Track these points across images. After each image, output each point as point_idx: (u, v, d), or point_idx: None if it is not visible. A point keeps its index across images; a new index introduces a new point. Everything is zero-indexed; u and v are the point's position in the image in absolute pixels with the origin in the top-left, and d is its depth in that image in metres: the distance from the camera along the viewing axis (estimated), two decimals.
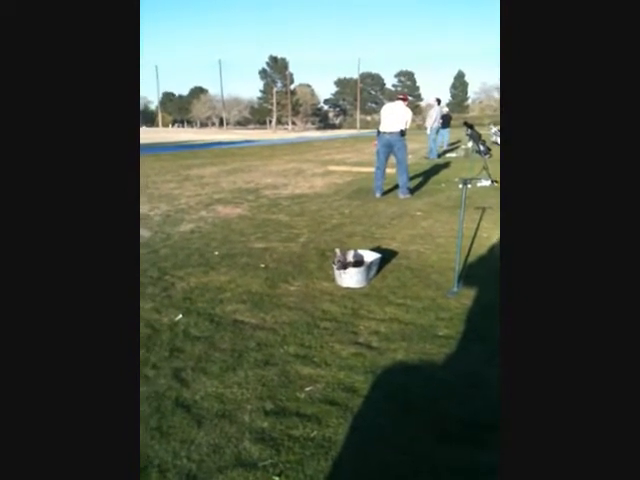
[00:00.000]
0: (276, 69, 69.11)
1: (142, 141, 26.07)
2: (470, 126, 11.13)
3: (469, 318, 2.86)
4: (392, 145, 7.06)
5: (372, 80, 78.27)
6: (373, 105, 74.93)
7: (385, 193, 7.35)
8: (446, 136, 16.52)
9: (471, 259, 4.03)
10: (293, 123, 65.73)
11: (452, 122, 17.56)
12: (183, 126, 78.30)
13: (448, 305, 3.06)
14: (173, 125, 77.30)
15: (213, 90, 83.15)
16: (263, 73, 70.21)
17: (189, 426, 1.90)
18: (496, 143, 16.70)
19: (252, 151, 18.93)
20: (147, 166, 12.10)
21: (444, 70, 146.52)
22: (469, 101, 76.60)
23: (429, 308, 3.02)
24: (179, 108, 79.37)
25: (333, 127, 71.30)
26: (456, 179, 8.58)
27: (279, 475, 1.64)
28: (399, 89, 71.19)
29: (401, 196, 7.13)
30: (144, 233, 5.08)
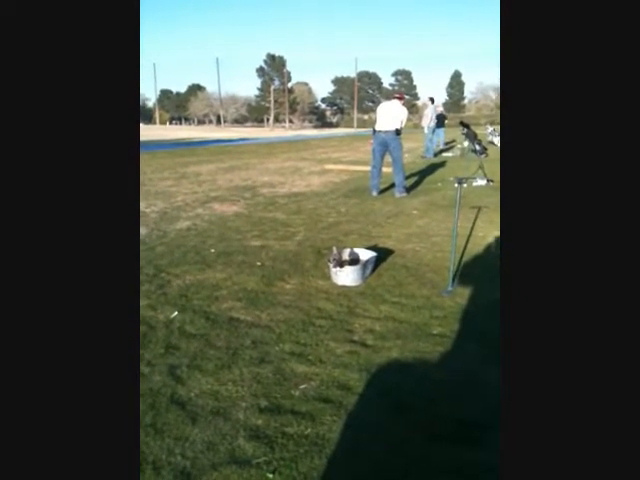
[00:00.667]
0: (274, 67, 69.07)
1: (140, 138, 26.05)
2: (466, 125, 11.15)
3: (464, 317, 2.87)
4: (388, 144, 7.07)
5: (369, 79, 78.32)
6: (370, 104, 74.95)
7: (381, 192, 7.36)
8: (441, 135, 16.54)
9: (466, 258, 4.04)
10: (290, 121, 65.71)
11: (448, 122, 17.60)
12: (180, 123, 78.16)
13: (443, 304, 3.08)
14: (170, 122, 77.16)
15: (211, 88, 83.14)
16: (261, 71, 70.17)
17: (184, 423, 1.90)
18: (492, 143, 16.75)
19: (249, 149, 18.91)
20: (144, 163, 12.07)
21: (441, 70, 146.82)
22: (465, 101, 76.81)
23: (424, 306, 3.03)
24: (176, 105, 79.25)
25: (330, 125, 71.31)
26: (452, 178, 8.59)
27: (273, 472, 1.65)
28: (396, 88, 71.20)
29: (397, 195, 7.15)
30: (140, 230, 5.07)
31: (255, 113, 72.44)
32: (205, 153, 16.33)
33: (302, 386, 2.15)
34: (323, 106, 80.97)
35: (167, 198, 7.09)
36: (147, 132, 34.95)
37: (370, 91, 78.76)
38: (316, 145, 21.53)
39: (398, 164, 7.13)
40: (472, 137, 10.88)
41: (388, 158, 7.30)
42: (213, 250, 4.29)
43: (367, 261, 3.59)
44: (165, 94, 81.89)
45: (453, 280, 3.37)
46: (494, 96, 67.21)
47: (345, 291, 3.30)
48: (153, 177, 9.48)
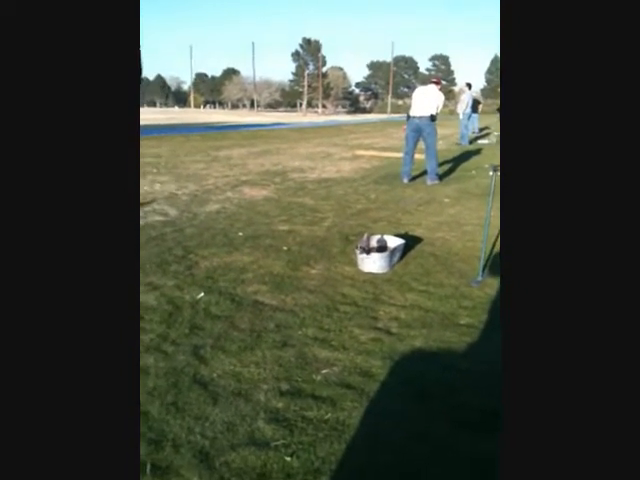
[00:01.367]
0: (309, 51, 68.62)
1: (174, 121, 26.39)
2: None
3: (492, 308, 2.80)
4: (421, 130, 6.93)
5: (405, 64, 76.98)
6: (405, 89, 73.75)
7: (413, 179, 7.24)
8: (475, 122, 16.14)
9: (498, 248, 3.94)
10: (323, 106, 65.32)
11: (485, 108, 17.16)
12: (215, 107, 78.79)
13: (471, 294, 3.01)
14: (205, 106, 77.85)
15: (245, 72, 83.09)
16: (296, 55, 69.84)
17: (205, 403, 1.92)
18: None
19: (281, 134, 18.91)
20: (177, 146, 12.23)
21: (480, 54, 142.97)
22: None
23: (452, 296, 2.97)
24: (211, 89, 79.81)
25: (364, 111, 70.57)
26: (486, 165, 8.39)
27: (291, 456, 1.65)
28: (433, 73, 69.75)
29: (429, 182, 7.02)
30: (171, 212, 5.14)
31: (288, 98, 72.32)
32: (237, 137, 16.42)
33: (324, 371, 2.14)
34: (357, 91, 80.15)
35: (198, 181, 7.16)
36: (181, 115, 35.38)
37: (406, 76, 77.45)
38: (348, 131, 21.36)
39: (431, 151, 6.99)
40: None
41: (422, 145, 7.16)
42: (241, 233, 4.31)
43: (395, 248, 3.54)
44: (200, 77, 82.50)
45: (483, 270, 3.29)
46: None
47: (371, 278, 3.27)
48: (185, 160, 9.59)
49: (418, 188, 6.71)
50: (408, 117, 7.04)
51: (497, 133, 15.31)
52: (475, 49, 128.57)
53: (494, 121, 18.32)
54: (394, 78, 69.15)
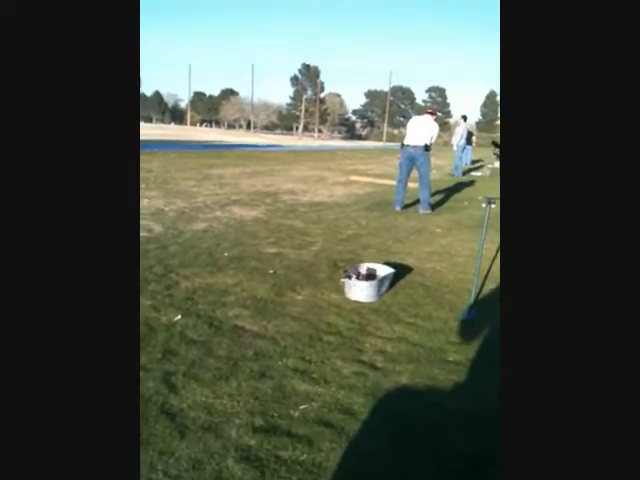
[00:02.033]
0: (307, 76, 69.53)
1: (168, 137, 26.38)
2: (498, 146, 10.94)
3: (482, 345, 2.69)
4: (415, 159, 6.91)
5: (403, 94, 78.20)
6: (401, 119, 74.74)
7: (405, 207, 7.18)
8: (469, 154, 16.28)
9: (489, 282, 3.84)
10: (319, 131, 65.94)
11: (479, 141, 17.33)
12: (211, 126, 79.17)
13: (461, 329, 2.89)
14: (201, 124, 78.21)
15: (243, 93, 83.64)
16: (294, 80, 70.70)
17: (171, 436, 1.77)
18: None
19: (276, 155, 18.93)
20: (169, 162, 12.14)
21: (476, 89, 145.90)
22: (499, 121, 75.93)
23: (440, 330, 2.86)
24: (208, 108, 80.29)
25: (359, 138, 71.30)
26: (480, 197, 8.37)
27: None
28: (429, 104, 70.86)
29: (421, 211, 6.97)
30: (156, 228, 5.01)
31: (285, 121, 72.91)
32: (231, 156, 16.39)
33: (302, 406, 2.00)
34: (353, 118, 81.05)
35: (187, 198, 7.05)
36: (177, 132, 35.47)
37: (402, 106, 78.57)
38: (343, 156, 21.45)
39: (424, 180, 6.96)
40: None
41: (415, 174, 7.13)
42: (226, 254, 4.19)
43: (384, 277, 3.43)
44: (198, 96, 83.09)
45: (474, 304, 3.19)
46: None
47: (358, 307, 3.15)
48: (176, 176, 9.49)
49: (410, 217, 6.64)
50: (402, 145, 7.04)
51: (491, 166, 15.44)
52: (471, 83, 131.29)
53: (488, 154, 18.48)
54: (391, 107, 70.16)
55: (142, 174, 9.06)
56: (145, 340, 2.46)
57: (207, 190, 7.98)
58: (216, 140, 28.89)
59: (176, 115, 79.36)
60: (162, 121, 77.35)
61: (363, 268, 3.63)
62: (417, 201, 7.23)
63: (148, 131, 31.01)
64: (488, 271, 4.10)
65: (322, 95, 68.71)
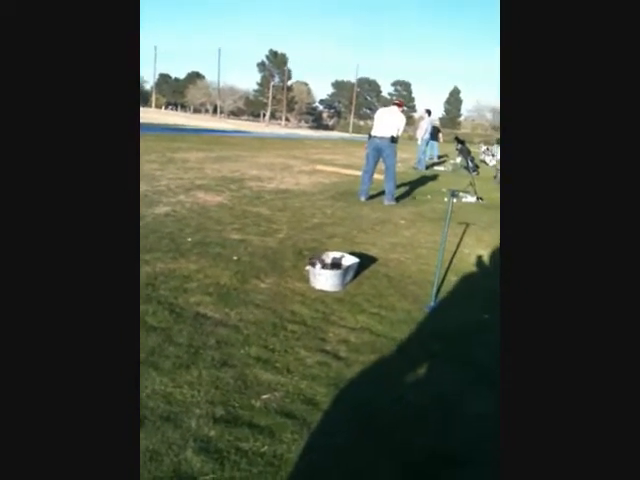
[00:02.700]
0: (275, 63, 68.73)
1: None
2: (461, 142, 11.07)
3: (445, 335, 2.71)
4: (382, 150, 6.93)
5: (369, 86, 78.39)
6: (368, 111, 74.98)
7: (370, 198, 7.20)
8: (435, 149, 16.49)
9: (451, 274, 3.90)
10: (287, 119, 65.46)
11: (443, 137, 17.55)
12: (177, 109, 77.31)
13: (424, 319, 2.92)
14: (166, 107, 76.28)
15: (210, 77, 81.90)
16: (262, 66, 69.76)
17: None
18: (484, 162, 16.77)
19: (242, 141, 18.66)
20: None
21: (440, 85, 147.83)
22: (462, 118, 77.18)
23: (404, 321, 2.87)
24: (174, 91, 78.33)
25: (326, 128, 71.14)
26: (444, 189, 8.50)
27: None
28: (394, 98, 71.31)
29: (386, 202, 7.00)
30: None
31: (252, 107, 71.92)
32: (197, 141, 16.05)
33: (264, 396, 1.97)
34: (320, 108, 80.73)
35: (150, 181, 6.85)
36: (142, 115, 34.44)
37: (369, 98, 78.78)
38: (310, 145, 21.36)
39: (390, 172, 6.99)
40: (466, 153, 10.82)
41: (381, 165, 7.16)
42: (189, 239, 4.09)
43: (349, 267, 3.42)
44: (164, 78, 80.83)
45: (436, 295, 3.22)
46: (490, 116, 67.71)
47: (322, 296, 3.13)
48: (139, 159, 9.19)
49: (375, 208, 6.67)
50: (370, 136, 7.04)
51: (453, 161, 15.68)
52: (436, 79, 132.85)
53: (451, 149, 18.75)
54: (357, 99, 70.24)
55: None
56: None
57: (171, 174, 7.78)
58: (181, 124, 28.22)
59: (141, 97, 77.06)
60: None
61: (328, 257, 3.61)
62: (382, 192, 7.27)
63: None
64: (450, 263, 4.16)
65: (290, 83, 68.10)
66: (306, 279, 3.34)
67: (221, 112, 67.44)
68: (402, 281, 3.62)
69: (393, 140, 6.87)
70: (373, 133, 6.98)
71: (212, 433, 1.72)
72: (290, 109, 67.91)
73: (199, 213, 5.18)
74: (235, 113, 73.27)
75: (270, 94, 65.21)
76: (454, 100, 76.61)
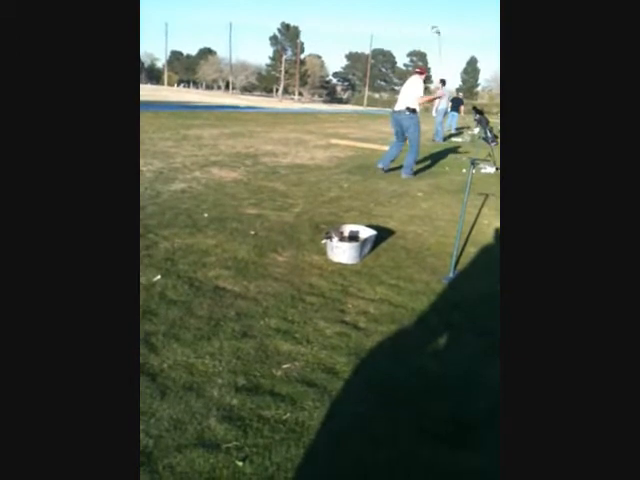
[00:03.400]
0: (287, 37, 67.68)
1: (145, 98, 25.58)
2: (480, 112, 10.82)
3: (464, 306, 2.70)
4: (401, 124, 6.82)
5: (384, 57, 76.84)
6: (383, 83, 73.76)
7: (388, 171, 7.12)
8: (454, 120, 16.18)
9: (469, 245, 3.86)
10: (300, 94, 64.70)
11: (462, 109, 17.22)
12: (189, 86, 76.91)
13: (443, 291, 2.90)
14: (179, 85, 75.94)
15: (222, 53, 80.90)
16: (274, 40, 68.76)
17: (152, 397, 1.74)
18: None
19: (255, 117, 18.53)
20: (145, 122, 11.76)
21: (458, 54, 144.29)
22: (479, 88, 75.45)
23: (422, 292, 2.86)
24: (186, 68, 77.84)
25: (340, 101, 70.23)
26: (464, 158, 8.37)
27: (243, 460, 1.49)
28: (410, 69, 69.89)
29: (403, 175, 6.92)
30: None
31: (265, 82, 71.19)
32: (210, 117, 15.98)
33: (285, 366, 1.99)
34: (334, 81, 79.61)
35: (165, 158, 6.86)
36: (154, 93, 34.37)
37: (383, 70, 77.27)
38: (324, 119, 21.13)
39: (411, 145, 6.88)
40: (484, 123, 10.59)
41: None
42: (206, 215, 4.10)
43: (366, 239, 3.40)
44: (175, 55, 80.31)
45: (455, 267, 3.19)
46: None
47: (340, 269, 3.12)
48: (154, 137, 9.21)
49: (392, 181, 6.60)
50: (392, 112, 6.96)
51: (470, 132, 15.38)
52: (452, 49, 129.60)
53: (470, 121, 18.39)
54: (372, 71, 68.94)
55: None
56: None
57: (185, 151, 7.77)
58: (194, 101, 28.09)
59: (153, 75, 76.71)
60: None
61: (345, 230, 3.59)
62: (401, 166, 7.18)
63: None
64: (469, 235, 4.12)
65: (302, 56, 67.12)
66: (323, 252, 3.34)
67: (233, 88, 66.93)
68: (420, 253, 3.59)
69: (410, 111, 6.72)
70: (393, 107, 6.91)
71: (234, 402, 1.75)
72: (303, 83, 67.05)
73: (215, 189, 5.18)
74: (248, 89, 72.66)
75: (283, 68, 64.36)
76: (471, 70, 74.79)
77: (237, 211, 4.32)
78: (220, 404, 1.74)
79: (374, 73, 72.23)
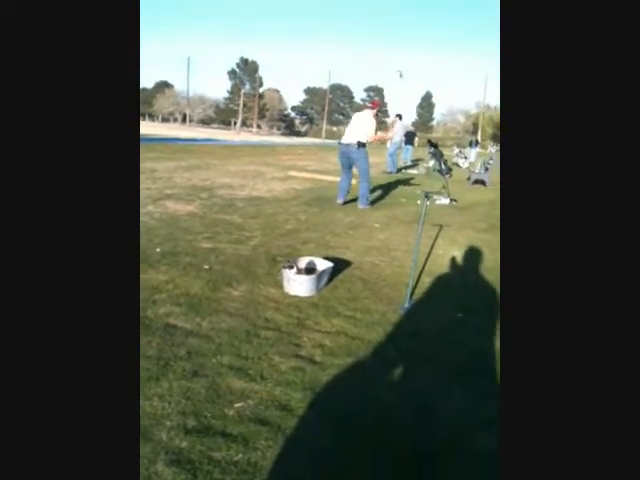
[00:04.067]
0: (246, 71, 68.58)
1: None
2: (434, 145, 11.20)
3: (419, 336, 2.71)
4: (350, 156, 6.95)
5: (342, 92, 78.86)
6: (340, 117, 75.49)
7: (345, 203, 7.21)
8: (409, 153, 16.67)
9: (425, 275, 3.91)
10: (258, 126, 65.24)
11: (418, 141, 17.80)
12: (144, 119, 76.39)
13: (399, 321, 2.91)
14: None
15: (179, 86, 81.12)
16: (232, 74, 69.52)
17: None
18: (457, 164, 17.02)
19: (212, 150, 18.51)
20: None
21: (412, 89, 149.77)
22: (434, 122, 78.26)
23: (378, 323, 2.86)
24: (142, 101, 77.45)
25: (298, 134, 71.23)
26: (418, 192, 8.57)
27: None
28: (367, 104, 71.90)
29: (360, 206, 7.02)
30: None
31: (223, 115, 71.51)
32: (166, 150, 15.84)
33: (237, 405, 1.93)
34: (293, 114, 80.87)
35: None
36: None
37: (341, 104, 79.21)
38: (282, 152, 21.33)
39: (362, 176, 7.01)
40: (439, 156, 10.94)
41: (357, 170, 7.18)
42: (158, 249, 4.01)
43: (323, 271, 3.40)
44: None
45: (411, 297, 3.22)
46: (462, 120, 68.91)
47: (297, 301, 3.10)
48: None
49: (349, 212, 6.68)
50: (339, 144, 7.09)
51: (426, 165, 15.85)
52: (408, 84, 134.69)
53: (425, 154, 18.95)
54: (330, 105, 70.53)
55: None
56: None
57: None
58: (149, 133, 27.85)
59: None
60: None
61: (302, 262, 3.58)
62: (357, 198, 7.28)
63: None
64: (424, 265, 4.18)
65: (261, 90, 68.00)
66: (280, 285, 3.31)
67: (191, 121, 66.87)
68: (377, 284, 3.62)
69: (360, 145, 6.86)
70: (341, 140, 7.04)
71: (184, 444, 1.68)
72: (262, 116, 67.78)
73: (168, 223, 5.09)
74: (205, 121, 72.76)
75: (241, 102, 64.96)
76: (426, 104, 77.63)
77: (191, 245, 4.25)
78: (169, 447, 1.66)
79: (332, 107, 73.87)
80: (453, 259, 4.50)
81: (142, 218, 5.19)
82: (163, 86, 75.87)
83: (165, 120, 74.71)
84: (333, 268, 3.54)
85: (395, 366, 2.37)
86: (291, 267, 3.29)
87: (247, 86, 68.30)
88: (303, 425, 1.85)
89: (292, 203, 7.07)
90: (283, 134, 67.82)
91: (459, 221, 6.39)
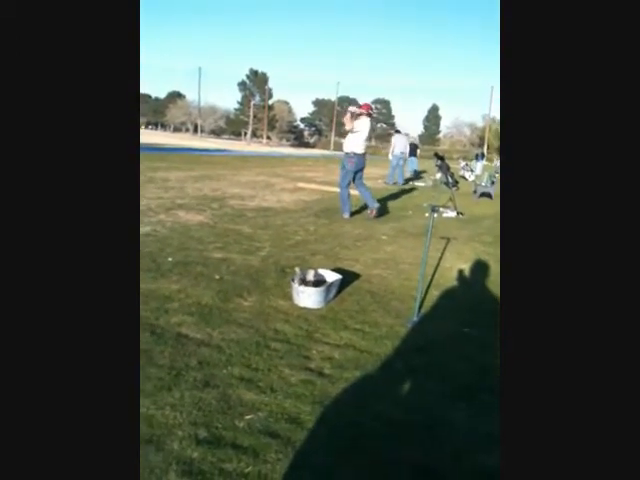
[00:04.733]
0: (256, 83, 69.18)
1: None
2: (441, 157, 11.24)
3: (427, 350, 2.73)
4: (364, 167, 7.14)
5: (349, 104, 79.21)
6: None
7: (352, 214, 7.25)
8: (415, 164, 16.76)
9: (433, 289, 3.92)
10: (268, 137, 65.71)
11: (422, 153, 17.88)
12: (156, 129, 77.14)
13: (407, 335, 2.93)
14: (146, 127, 76.11)
15: (191, 96, 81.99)
16: (242, 85, 70.15)
17: None
18: (464, 177, 17.06)
19: (223, 160, 18.67)
20: None
21: (419, 102, 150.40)
22: (441, 135, 78.37)
23: (387, 336, 2.88)
24: (154, 110, 78.30)
25: (307, 145, 71.58)
26: (425, 204, 8.60)
27: None
28: (375, 116, 72.19)
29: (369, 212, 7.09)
30: None
31: (233, 126, 72.11)
32: (177, 160, 16.01)
33: (248, 416, 1.95)
34: (302, 126, 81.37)
35: None
36: None
37: None
38: (291, 163, 21.46)
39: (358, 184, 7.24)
40: (445, 169, 10.97)
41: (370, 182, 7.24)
42: (170, 259, 4.05)
43: (331, 284, 3.42)
44: (144, 98, 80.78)
45: (419, 310, 3.24)
46: (468, 132, 69.01)
47: (305, 313, 3.12)
48: None
49: (357, 224, 6.71)
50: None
51: (432, 177, 15.89)
52: (415, 97, 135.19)
53: (431, 166, 19.01)
54: (338, 117, 70.87)
55: None
56: None
57: (151, 193, 7.73)
58: (161, 143, 28.14)
59: None
60: None
61: (311, 274, 3.61)
62: (364, 207, 7.33)
63: None
64: (432, 278, 4.19)
65: (270, 102, 68.54)
66: (289, 297, 3.33)
67: (202, 131, 67.46)
68: (385, 297, 3.63)
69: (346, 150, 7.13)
70: (356, 150, 7.19)
71: (195, 455, 1.70)
72: (271, 128, 68.24)
73: (180, 232, 5.15)
74: (216, 132, 73.37)
75: (251, 113, 65.48)
76: (433, 117, 77.85)
77: (202, 255, 4.29)
78: (180, 458, 1.68)
79: (340, 119, 74.21)
80: (460, 272, 4.51)
81: (154, 227, 5.26)
82: (175, 96, 76.71)
83: (177, 130, 75.43)
84: (341, 280, 3.57)
85: (403, 381, 2.38)
86: (303, 280, 3.32)
87: (257, 97, 68.85)
88: (312, 439, 1.86)
89: (301, 214, 7.12)
90: (292, 145, 68.21)
91: (465, 234, 6.40)
